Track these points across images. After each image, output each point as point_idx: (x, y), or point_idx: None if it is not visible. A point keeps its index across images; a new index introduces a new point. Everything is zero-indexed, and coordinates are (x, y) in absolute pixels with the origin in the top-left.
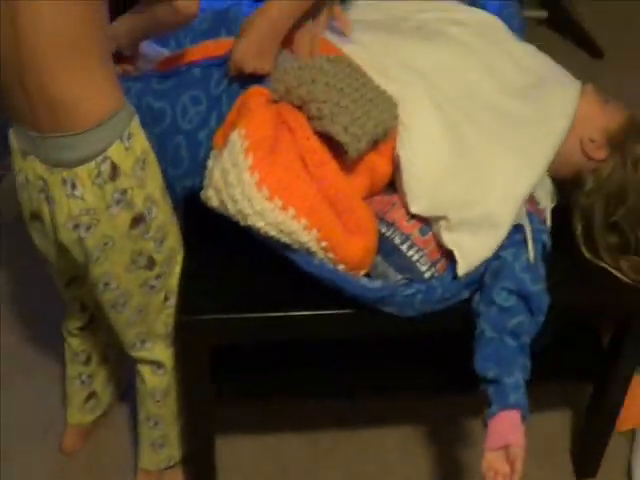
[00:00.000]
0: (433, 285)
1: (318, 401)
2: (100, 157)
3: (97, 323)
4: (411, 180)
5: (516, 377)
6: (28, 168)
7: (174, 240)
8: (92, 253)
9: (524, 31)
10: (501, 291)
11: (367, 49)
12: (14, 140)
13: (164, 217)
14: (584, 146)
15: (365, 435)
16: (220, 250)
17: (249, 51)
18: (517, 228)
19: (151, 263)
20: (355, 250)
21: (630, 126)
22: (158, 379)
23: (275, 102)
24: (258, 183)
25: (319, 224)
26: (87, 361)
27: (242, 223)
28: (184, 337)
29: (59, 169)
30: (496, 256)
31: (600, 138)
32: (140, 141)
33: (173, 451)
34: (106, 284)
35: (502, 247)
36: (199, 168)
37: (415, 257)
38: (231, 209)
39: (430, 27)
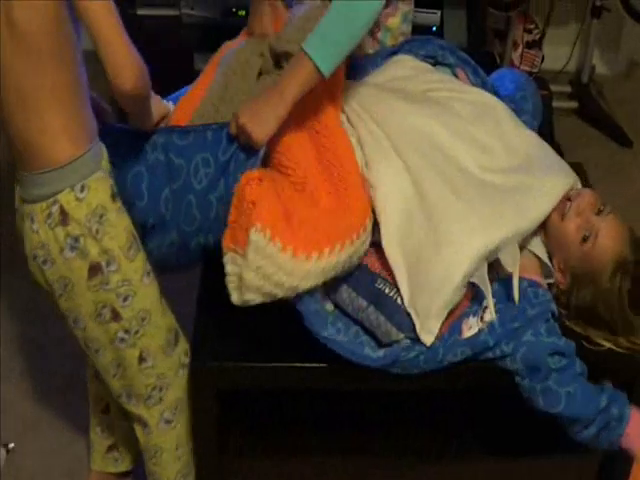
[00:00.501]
0: (434, 345)
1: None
2: (51, 199)
3: None
4: (385, 226)
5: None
6: (16, 196)
7: (146, 302)
8: (53, 287)
9: (541, 115)
10: (549, 359)
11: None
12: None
13: (128, 275)
14: (553, 263)
15: None
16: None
17: (248, 110)
18: (518, 311)
19: (116, 315)
20: (364, 213)
21: (606, 272)
22: (146, 438)
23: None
24: (294, 254)
25: (344, 235)
26: (106, 410)
27: (293, 295)
28: (193, 382)
29: (25, 203)
30: (519, 344)
31: (566, 270)
32: (98, 196)
33: None
34: (75, 321)
35: (520, 332)
36: (211, 226)
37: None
38: (280, 293)
39: (437, 100)
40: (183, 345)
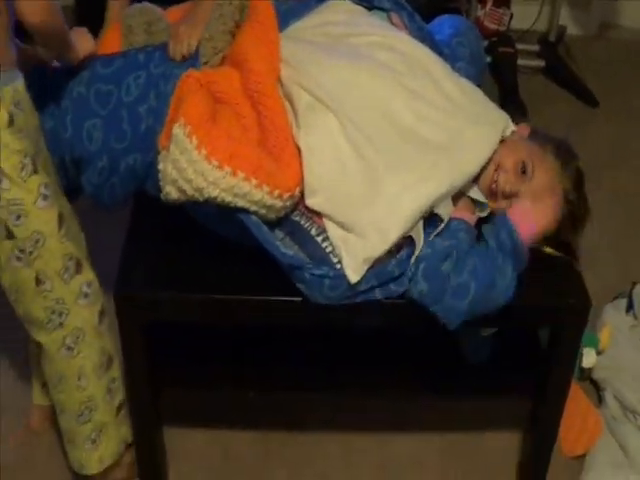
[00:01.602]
0: (341, 274)
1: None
2: None
3: None
4: (309, 175)
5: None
6: None
7: (39, 223)
8: None
9: (480, 62)
10: (443, 266)
11: (290, 62)
12: None
13: (19, 195)
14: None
15: (311, 437)
16: (164, 233)
17: (185, 22)
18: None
19: (9, 233)
20: (295, 180)
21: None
22: (49, 365)
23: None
24: (207, 157)
25: (267, 179)
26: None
27: (201, 199)
28: (118, 311)
29: None
30: (417, 260)
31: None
32: None
33: (80, 453)
34: None
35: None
36: (140, 142)
37: (329, 248)
38: (189, 190)
39: (360, 51)
40: (87, 275)
